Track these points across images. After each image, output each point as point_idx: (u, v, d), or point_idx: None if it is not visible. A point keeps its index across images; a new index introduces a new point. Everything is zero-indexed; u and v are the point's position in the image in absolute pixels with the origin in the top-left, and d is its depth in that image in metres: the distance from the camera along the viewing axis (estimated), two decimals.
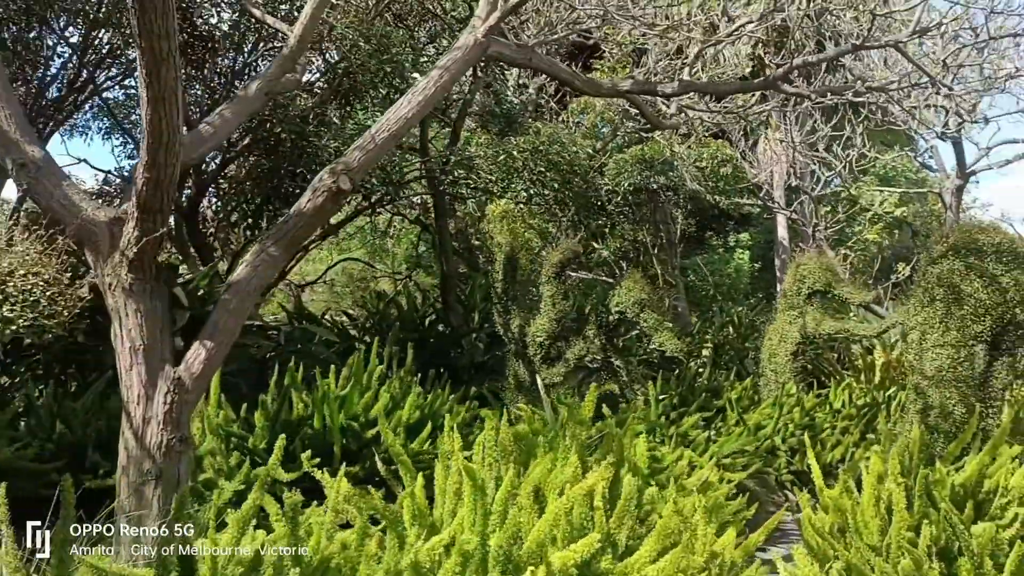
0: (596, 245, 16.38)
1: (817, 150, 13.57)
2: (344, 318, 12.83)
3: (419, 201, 13.39)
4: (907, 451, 4.73)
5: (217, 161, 10.69)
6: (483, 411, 7.37)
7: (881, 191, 16.60)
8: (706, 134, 14.85)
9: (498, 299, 9.19)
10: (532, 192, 9.19)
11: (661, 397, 8.44)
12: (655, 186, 13.20)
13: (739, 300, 19.34)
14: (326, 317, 12.55)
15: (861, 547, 4.27)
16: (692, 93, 7.72)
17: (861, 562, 4.14)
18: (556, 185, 9.18)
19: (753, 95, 8.93)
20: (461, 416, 6.62)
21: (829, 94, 7.70)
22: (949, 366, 6.20)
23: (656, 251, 15.76)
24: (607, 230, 16.18)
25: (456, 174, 9.11)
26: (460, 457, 3.26)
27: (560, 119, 14.32)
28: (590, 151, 11.30)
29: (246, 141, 9.77)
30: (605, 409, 8.38)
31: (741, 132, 12.09)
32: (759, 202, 13.82)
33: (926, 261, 6.52)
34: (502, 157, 9.05)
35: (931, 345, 6.29)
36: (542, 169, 9.17)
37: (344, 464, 4.84)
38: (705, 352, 14.16)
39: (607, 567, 3.01)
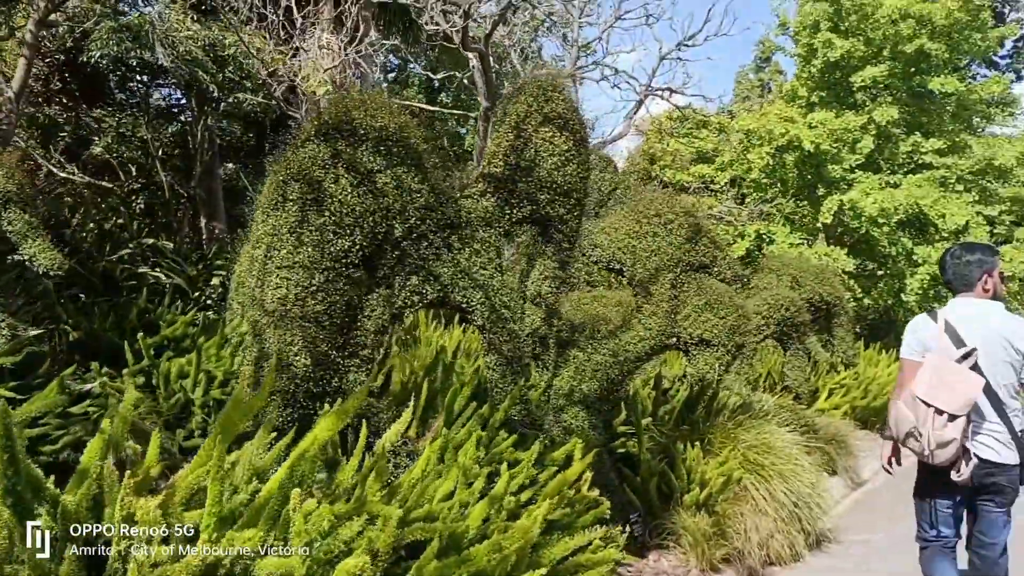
0: (95, 140, 12.74)
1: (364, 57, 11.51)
2: None
3: None
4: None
5: None
6: None
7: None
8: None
9: None
10: None
11: None
12: (134, 61, 10.06)
13: None
14: None
15: None
16: None
17: None
18: None
19: None
20: None
21: None
22: (297, 297, 4.22)
23: (162, 154, 12.58)
24: (102, 120, 12.63)
25: None
26: None
27: None
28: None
29: None
30: None
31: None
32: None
33: (290, 148, 4.45)
34: None
35: (276, 265, 4.27)
36: None
37: None
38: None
39: None
